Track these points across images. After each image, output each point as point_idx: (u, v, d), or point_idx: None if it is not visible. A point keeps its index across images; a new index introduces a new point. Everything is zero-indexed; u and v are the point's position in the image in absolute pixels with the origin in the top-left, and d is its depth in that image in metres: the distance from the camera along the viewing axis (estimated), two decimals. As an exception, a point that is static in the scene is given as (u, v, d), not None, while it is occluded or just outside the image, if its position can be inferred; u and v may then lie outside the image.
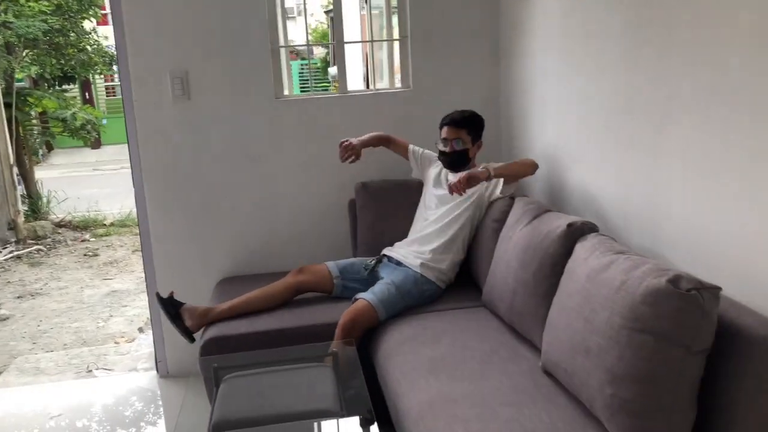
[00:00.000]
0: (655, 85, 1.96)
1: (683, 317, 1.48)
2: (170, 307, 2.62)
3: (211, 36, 2.96)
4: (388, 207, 3.01)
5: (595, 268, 1.76)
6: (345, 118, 3.11)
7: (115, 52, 3.10)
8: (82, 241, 6.96)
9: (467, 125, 2.75)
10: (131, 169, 3.07)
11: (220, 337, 2.49)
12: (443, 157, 2.79)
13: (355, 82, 3.30)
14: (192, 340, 2.61)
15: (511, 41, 3.04)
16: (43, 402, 3.13)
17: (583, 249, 1.91)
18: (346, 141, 2.82)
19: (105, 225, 7.55)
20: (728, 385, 1.52)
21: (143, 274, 3.42)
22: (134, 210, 3.30)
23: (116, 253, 6.43)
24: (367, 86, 6.14)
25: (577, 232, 2.03)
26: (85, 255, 6.37)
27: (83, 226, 7.55)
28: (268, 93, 3.03)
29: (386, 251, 2.82)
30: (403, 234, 2.89)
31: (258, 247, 3.16)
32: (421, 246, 2.73)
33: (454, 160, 2.76)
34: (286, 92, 3.18)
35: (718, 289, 1.51)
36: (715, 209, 1.74)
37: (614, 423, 1.58)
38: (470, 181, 2.45)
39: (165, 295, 2.65)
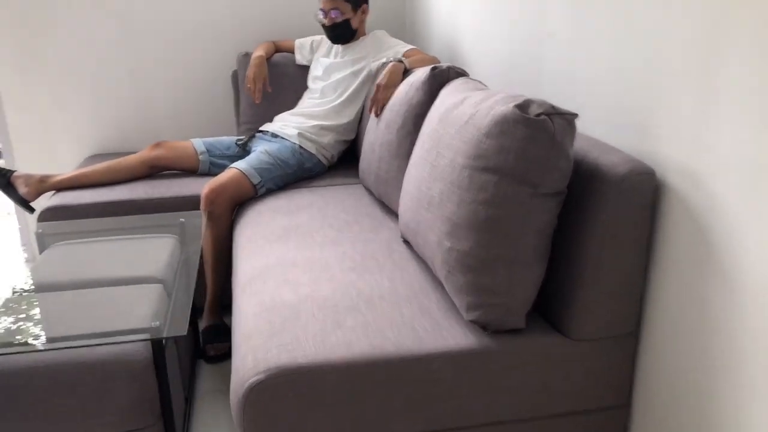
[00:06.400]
0: None
1: (531, 148, 1.22)
2: None
3: None
4: (275, 79, 2.67)
5: (448, 107, 1.48)
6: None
7: None
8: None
9: None
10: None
11: (60, 206, 2.18)
12: (325, 30, 2.47)
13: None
14: (31, 209, 2.31)
15: None
16: None
17: (445, 93, 1.63)
18: (250, 85, 2.56)
19: None
20: (584, 237, 1.28)
21: None
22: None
23: None
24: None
25: (440, 77, 1.74)
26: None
27: None
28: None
29: (263, 126, 2.52)
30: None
31: (131, 121, 2.82)
32: (305, 119, 2.44)
33: (337, 33, 2.45)
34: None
35: (574, 115, 1.24)
36: (588, 51, 1.47)
37: (450, 281, 1.34)
38: (388, 92, 2.05)
39: None
